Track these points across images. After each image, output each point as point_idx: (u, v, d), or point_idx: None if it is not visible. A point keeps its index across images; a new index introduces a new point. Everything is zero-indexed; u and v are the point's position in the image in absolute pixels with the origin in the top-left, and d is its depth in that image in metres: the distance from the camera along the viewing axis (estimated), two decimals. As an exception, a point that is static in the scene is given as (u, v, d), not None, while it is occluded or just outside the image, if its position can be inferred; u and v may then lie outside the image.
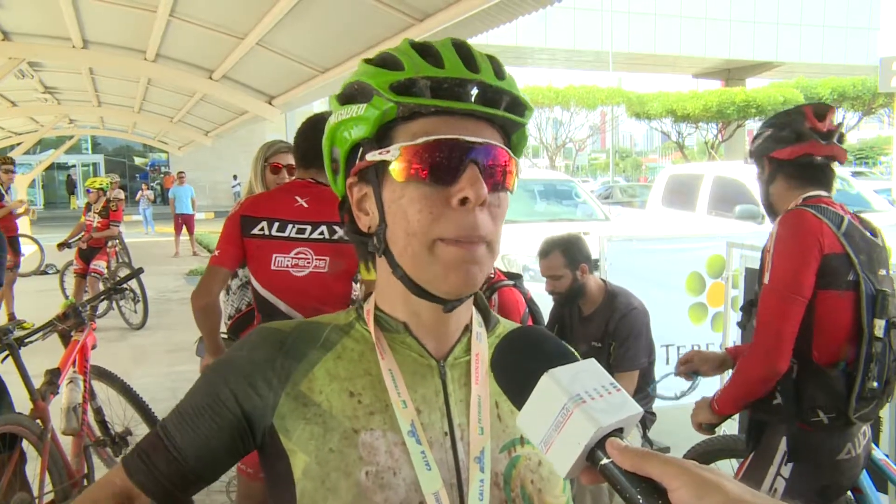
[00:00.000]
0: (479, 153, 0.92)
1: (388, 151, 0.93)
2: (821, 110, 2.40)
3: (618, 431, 0.70)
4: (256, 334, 1.03)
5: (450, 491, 0.93)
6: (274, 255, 2.99)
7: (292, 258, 2.98)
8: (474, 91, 0.94)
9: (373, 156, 0.95)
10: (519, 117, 0.98)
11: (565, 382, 0.72)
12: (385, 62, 0.96)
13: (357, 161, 0.98)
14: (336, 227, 2.97)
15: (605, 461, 0.68)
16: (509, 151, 0.96)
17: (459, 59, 0.94)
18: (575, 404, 0.70)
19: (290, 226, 3.00)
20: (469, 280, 0.93)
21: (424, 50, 0.96)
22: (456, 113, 0.93)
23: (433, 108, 0.92)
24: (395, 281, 0.98)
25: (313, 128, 3.06)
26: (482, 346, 1.04)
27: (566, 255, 3.63)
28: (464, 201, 0.90)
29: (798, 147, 2.37)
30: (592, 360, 0.78)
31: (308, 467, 0.93)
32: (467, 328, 1.05)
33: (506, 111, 0.96)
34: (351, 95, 0.98)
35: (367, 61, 0.98)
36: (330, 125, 1.01)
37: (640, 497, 0.65)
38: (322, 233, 2.98)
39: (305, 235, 2.98)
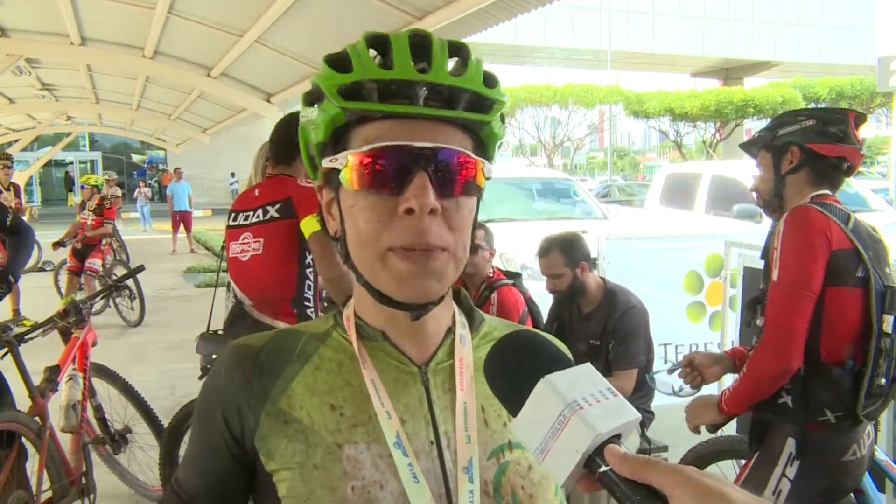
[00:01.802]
0: (430, 159, 0.87)
1: (337, 159, 0.90)
2: (860, 120, 2.39)
3: (616, 438, 0.69)
4: (229, 355, 0.99)
5: (438, 502, 0.90)
6: (231, 244, 3.14)
7: (240, 244, 3.10)
8: (423, 92, 0.88)
9: (326, 162, 0.92)
10: (480, 115, 0.91)
11: (562, 388, 0.70)
12: (337, 62, 0.91)
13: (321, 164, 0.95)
14: (269, 208, 3.04)
15: (603, 469, 0.67)
16: (468, 153, 0.91)
17: (410, 56, 0.89)
18: (572, 411, 0.68)
19: (241, 214, 3.14)
20: (423, 291, 0.90)
21: (378, 46, 0.91)
22: (408, 116, 0.88)
23: (381, 112, 0.88)
24: None
25: (286, 125, 3.19)
26: (466, 350, 1.00)
27: (566, 253, 3.63)
28: (410, 211, 0.86)
29: (842, 148, 2.34)
30: (588, 365, 0.76)
31: (292, 485, 0.90)
32: (450, 330, 1.02)
33: (467, 110, 0.90)
34: (311, 96, 0.95)
35: (327, 58, 0.92)
36: (300, 126, 0.98)
37: None
38: (258, 215, 3.07)
39: (248, 221, 3.10)
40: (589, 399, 0.70)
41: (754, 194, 2.56)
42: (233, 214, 3.19)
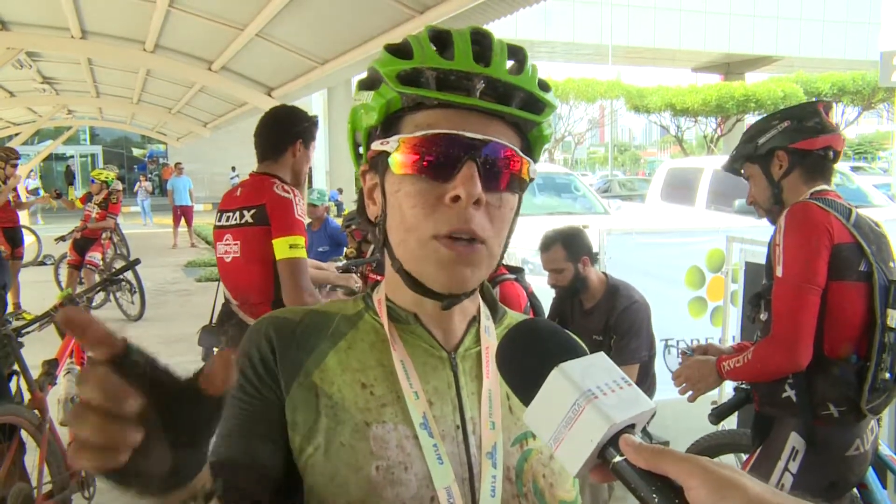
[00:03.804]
0: (480, 150, 0.89)
1: (388, 143, 0.92)
2: (828, 108, 2.41)
3: (630, 428, 0.68)
4: (266, 324, 0.99)
5: (461, 485, 0.91)
6: (217, 244, 3.15)
7: (223, 245, 3.11)
8: (481, 85, 0.90)
9: (376, 145, 0.94)
10: (533, 115, 0.94)
11: (576, 377, 0.69)
12: (398, 49, 0.93)
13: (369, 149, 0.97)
14: (245, 211, 3.03)
15: (617, 459, 0.66)
16: (517, 150, 0.92)
17: (471, 50, 0.91)
18: (587, 400, 0.67)
19: (224, 215, 3.13)
20: (460, 280, 0.92)
21: (440, 38, 0.93)
22: (463, 107, 0.90)
23: (436, 100, 0.90)
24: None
25: (273, 118, 3.17)
26: (491, 340, 1.02)
27: (568, 248, 3.62)
28: (456, 199, 0.88)
29: (825, 138, 2.35)
30: (602, 354, 0.75)
31: (316, 461, 0.90)
32: (474, 319, 1.04)
33: (520, 108, 0.92)
34: (367, 81, 0.97)
35: (387, 47, 0.95)
36: (351, 109, 1.00)
37: (656, 496, 0.62)
38: (236, 218, 3.06)
39: (229, 222, 3.10)
40: (603, 388, 0.69)
41: (753, 207, 2.58)
42: (218, 214, 3.19)
